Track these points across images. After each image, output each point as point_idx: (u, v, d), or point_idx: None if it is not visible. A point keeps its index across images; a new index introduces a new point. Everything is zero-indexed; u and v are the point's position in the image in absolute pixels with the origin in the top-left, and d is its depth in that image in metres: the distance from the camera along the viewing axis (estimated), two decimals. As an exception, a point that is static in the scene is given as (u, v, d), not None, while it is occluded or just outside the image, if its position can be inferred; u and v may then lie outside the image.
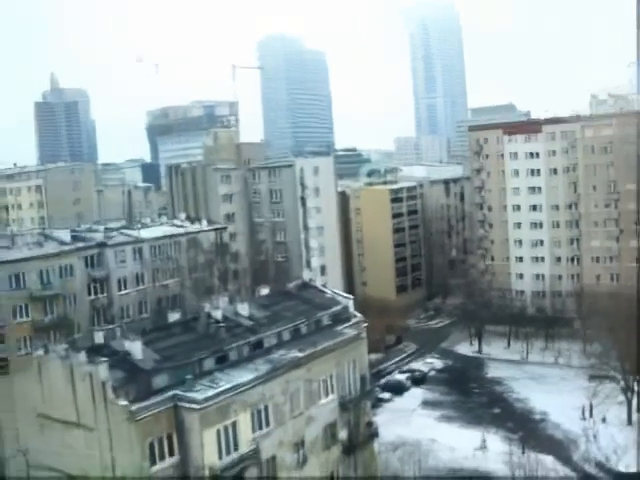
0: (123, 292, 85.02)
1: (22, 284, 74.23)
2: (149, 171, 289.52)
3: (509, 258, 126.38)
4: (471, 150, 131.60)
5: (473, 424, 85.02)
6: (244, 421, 43.43)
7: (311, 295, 61.68)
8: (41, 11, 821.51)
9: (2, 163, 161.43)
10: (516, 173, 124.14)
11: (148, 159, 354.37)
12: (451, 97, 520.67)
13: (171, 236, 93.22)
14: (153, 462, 40.20)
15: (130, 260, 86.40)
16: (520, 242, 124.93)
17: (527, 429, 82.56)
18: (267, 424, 45.31)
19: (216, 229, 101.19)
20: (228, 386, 42.92)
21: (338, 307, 59.76)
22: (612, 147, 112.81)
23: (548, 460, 70.87)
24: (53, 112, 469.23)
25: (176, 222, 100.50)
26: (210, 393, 41.75)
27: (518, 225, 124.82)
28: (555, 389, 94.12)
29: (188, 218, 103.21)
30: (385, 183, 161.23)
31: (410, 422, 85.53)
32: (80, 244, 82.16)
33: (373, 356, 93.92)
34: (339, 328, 55.42)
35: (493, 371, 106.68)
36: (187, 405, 40.93)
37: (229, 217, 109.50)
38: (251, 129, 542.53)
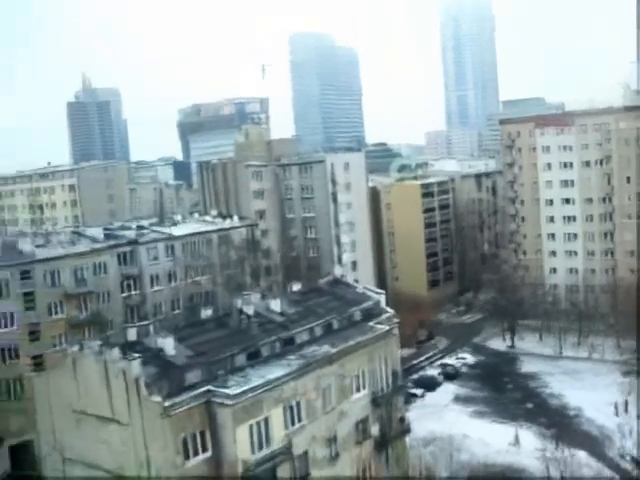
0: (155, 289, 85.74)
1: (57, 282, 75.34)
2: (180, 169, 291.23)
3: (542, 252, 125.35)
4: (503, 144, 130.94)
5: (507, 420, 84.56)
6: (276, 417, 43.53)
7: (342, 291, 61.67)
8: (73, 12, 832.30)
9: (36, 163, 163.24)
10: (549, 166, 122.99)
11: (180, 157, 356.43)
12: (482, 89, 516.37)
13: (203, 233, 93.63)
14: (186, 457, 40.47)
15: (162, 257, 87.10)
16: (553, 236, 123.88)
17: (561, 425, 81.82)
18: (299, 420, 45.33)
19: (247, 225, 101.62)
20: (260, 382, 42.99)
21: (369, 303, 59.69)
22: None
23: (582, 455, 70.09)
24: (86, 112, 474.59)
25: (207, 219, 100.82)
26: (243, 389, 41.84)
27: (551, 219, 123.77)
28: (589, 384, 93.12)
29: (220, 215, 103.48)
30: (416, 178, 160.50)
31: (442, 417, 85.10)
32: (113, 242, 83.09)
33: (405, 351, 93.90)
34: (371, 324, 55.19)
35: (526, 366, 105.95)
36: (220, 401, 41.09)
37: (260, 213, 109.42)
38: (282, 126, 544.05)
